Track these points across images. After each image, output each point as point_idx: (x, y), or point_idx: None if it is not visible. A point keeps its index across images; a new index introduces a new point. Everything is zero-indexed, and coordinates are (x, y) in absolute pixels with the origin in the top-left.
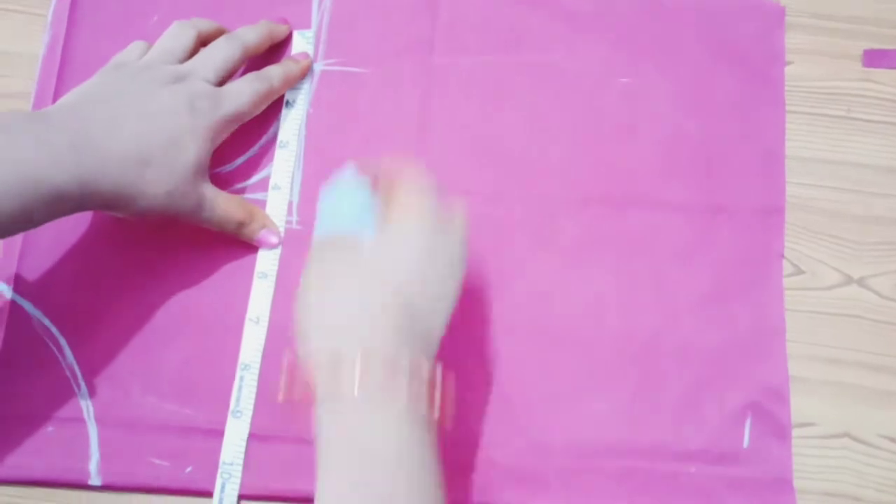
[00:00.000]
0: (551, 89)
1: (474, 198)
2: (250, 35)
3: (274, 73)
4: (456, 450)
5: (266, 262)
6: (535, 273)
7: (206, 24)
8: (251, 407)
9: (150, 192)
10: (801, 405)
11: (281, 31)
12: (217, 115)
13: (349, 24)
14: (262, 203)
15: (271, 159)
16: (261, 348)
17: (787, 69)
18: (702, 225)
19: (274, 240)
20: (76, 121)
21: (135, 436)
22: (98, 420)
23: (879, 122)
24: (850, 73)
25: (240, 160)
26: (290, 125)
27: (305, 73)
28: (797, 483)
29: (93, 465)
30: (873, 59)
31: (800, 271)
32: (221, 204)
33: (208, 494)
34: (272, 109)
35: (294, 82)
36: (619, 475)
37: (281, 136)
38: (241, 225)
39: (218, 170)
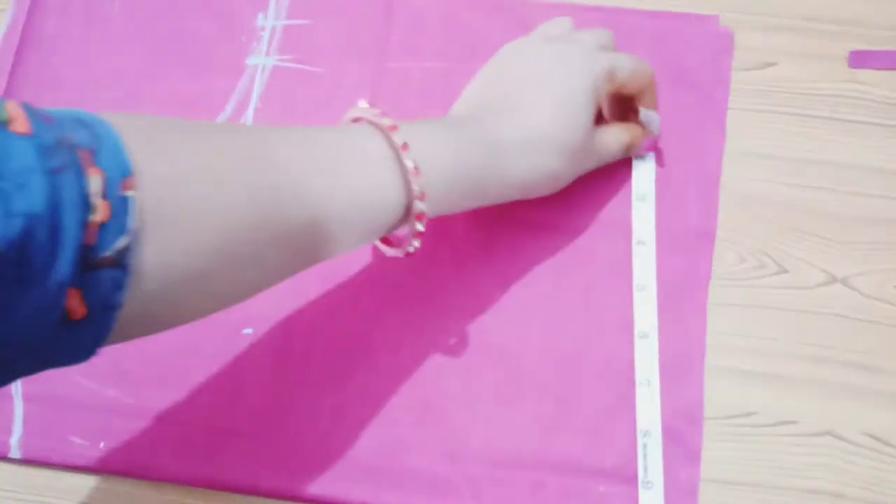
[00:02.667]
0: None
1: None
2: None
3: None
4: (369, 451)
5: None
6: (468, 283)
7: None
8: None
9: (555, 164)
10: (783, 403)
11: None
12: (600, 70)
13: (305, 21)
14: None
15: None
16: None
17: (773, 70)
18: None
19: (653, 141)
20: (489, 100)
21: (59, 414)
22: (25, 396)
23: (864, 122)
24: (835, 74)
25: None
26: (645, 177)
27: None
28: (780, 480)
29: (14, 439)
30: (859, 60)
31: (784, 270)
32: (611, 139)
33: (117, 473)
34: (220, 100)
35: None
36: (530, 487)
37: (637, 189)
38: (629, 148)
39: None
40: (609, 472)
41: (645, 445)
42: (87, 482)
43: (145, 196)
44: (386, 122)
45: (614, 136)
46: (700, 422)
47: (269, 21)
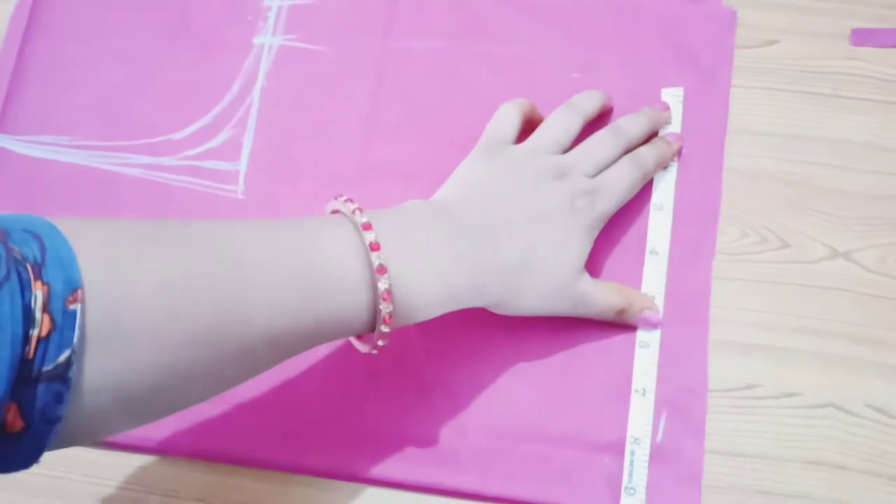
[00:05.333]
0: (505, 80)
1: (418, 179)
2: (635, 129)
3: (648, 158)
4: (375, 424)
5: (647, 333)
6: None
7: (592, 106)
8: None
9: (528, 294)
10: (786, 376)
11: (664, 118)
12: (594, 213)
13: (311, 0)
14: (212, 172)
15: (222, 128)
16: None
17: (776, 48)
18: (640, 221)
19: (655, 319)
20: (476, 223)
21: None
22: None
23: (866, 99)
24: (837, 51)
25: (192, 128)
26: (665, 186)
27: (676, 155)
28: (782, 451)
29: None
30: (861, 37)
31: (786, 245)
32: (600, 296)
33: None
34: (226, 79)
35: (666, 165)
36: (534, 460)
37: (655, 199)
38: (621, 312)
39: (168, 136)
40: (612, 445)
41: (633, 452)
42: (156, 465)
43: (97, 310)
44: (369, 236)
45: (606, 296)
46: (704, 394)
47: (275, 1)
